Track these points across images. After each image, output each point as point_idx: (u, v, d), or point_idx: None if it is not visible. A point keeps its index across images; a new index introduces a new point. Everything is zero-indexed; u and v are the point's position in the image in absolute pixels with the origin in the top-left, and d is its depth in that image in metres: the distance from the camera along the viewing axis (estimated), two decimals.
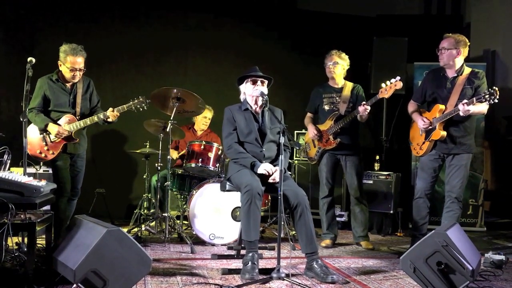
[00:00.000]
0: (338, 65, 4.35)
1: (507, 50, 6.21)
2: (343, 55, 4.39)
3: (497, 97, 3.53)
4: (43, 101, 3.96)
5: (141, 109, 4.10)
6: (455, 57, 3.86)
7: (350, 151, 4.34)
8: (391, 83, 3.97)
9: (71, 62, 3.88)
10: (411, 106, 4.13)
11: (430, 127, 3.86)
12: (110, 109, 3.97)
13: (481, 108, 3.75)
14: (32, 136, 3.91)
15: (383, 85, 3.99)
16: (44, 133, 3.91)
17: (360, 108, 4.05)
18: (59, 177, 3.99)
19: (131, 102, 4.05)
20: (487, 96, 3.54)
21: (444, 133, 3.82)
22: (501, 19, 6.33)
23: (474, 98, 3.60)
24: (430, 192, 3.99)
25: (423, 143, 3.95)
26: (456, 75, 3.89)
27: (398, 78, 3.92)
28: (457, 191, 3.85)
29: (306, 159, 4.73)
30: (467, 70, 3.90)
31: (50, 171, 4.61)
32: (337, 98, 4.37)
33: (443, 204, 3.96)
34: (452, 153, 3.88)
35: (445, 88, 3.88)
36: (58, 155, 3.97)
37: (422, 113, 4.01)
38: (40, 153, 3.94)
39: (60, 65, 3.96)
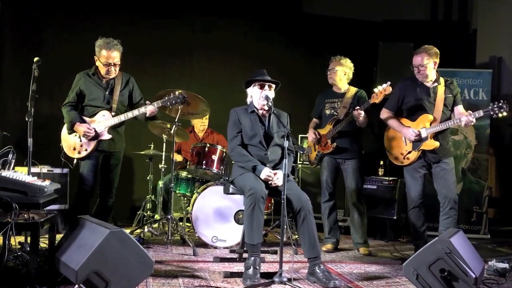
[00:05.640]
0: (337, 71, 4.35)
1: None
2: (343, 60, 4.37)
3: (507, 110, 3.54)
4: (77, 96, 3.89)
5: (176, 105, 3.96)
6: (432, 69, 3.88)
7: (349, 155, 4.33)
8: (382, 88, 3.97)
9: (105, 57, 3.82)
10: (385, 113, 4.10)
11: (420, 138, 3.85)
12: (148, 103, 3.87)
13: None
14: (67, 133, 3.86)
15: (375, 90, 4.01)
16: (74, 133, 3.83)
17: (355, 113, 4.06)
18: (83, 178, 3.88)
19: (166, 98, 3.91)
20: (495, 109, 3.56)
21: (438, 144, 3.84)
22: (508, 25, 6.31)
23: (481, 111, 3.63)
24: (423, 200, 3.99)
25: (409, 152, 3.93)
26: (436, 84, 3.92)
27: (388, 83, 3.94)
28: (454, 194, 3.88)
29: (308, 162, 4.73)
30: (441, 79, 3.95)
31: (54, 171, 4.63)
32: (338, 103, 4.38)
33: (438, 208, 3.94)
34: (441, 160, 3.90)
35: (429, 97, 3.90)
36: (91, 153, 3.84)
37: (401, 122, 3.99)
38: (74, 149, 3.86)
39: (96, 60, 3.90)
